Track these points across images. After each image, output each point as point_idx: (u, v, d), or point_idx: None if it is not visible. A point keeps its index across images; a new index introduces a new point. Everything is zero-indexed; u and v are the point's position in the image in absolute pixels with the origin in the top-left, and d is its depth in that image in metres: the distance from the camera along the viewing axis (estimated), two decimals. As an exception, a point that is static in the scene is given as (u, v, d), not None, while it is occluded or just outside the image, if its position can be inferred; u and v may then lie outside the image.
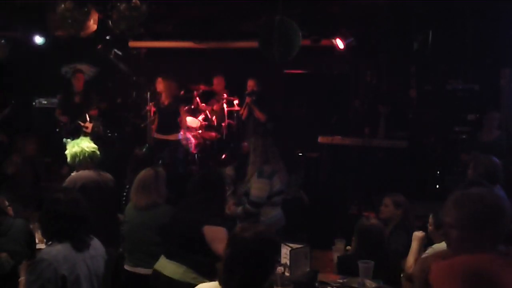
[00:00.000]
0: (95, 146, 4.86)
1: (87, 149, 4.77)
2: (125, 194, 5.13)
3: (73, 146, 4.80)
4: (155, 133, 7.98)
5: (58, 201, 3.11)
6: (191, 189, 3.94)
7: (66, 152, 4.85)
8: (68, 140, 7.17)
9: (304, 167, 7.68)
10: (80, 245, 3.09)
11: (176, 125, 7.97)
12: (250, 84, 7.96)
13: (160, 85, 7.82)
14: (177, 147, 7.93)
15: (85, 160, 4.75)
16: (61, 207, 3.08)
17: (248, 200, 4.97)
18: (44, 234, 3.19)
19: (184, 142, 8.41)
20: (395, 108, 7.79)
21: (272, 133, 7.93)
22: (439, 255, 2.52)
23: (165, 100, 7.80)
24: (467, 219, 2.31)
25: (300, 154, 8.21)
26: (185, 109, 8.98)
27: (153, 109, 7.91)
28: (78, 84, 7.93)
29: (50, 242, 3.10)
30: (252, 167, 5.07)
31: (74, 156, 4.76)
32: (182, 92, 9.10)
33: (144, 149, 7.42)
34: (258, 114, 7.76)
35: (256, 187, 4.95)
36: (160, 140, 7.76)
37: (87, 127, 7.72)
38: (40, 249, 3.94)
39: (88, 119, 7.75)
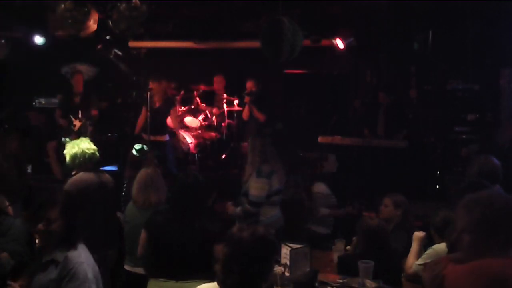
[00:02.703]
0: (95, 148, 4.83)
1: (87, 151, 4.74)
2: (123, 193, 5.14)
3: (73, 147, 4.76)
4: (142, 134, 7.89)
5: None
6: (175, 196, 3.91)
7: (65, 152, 4.81)
8: (67, 139, 7.17)
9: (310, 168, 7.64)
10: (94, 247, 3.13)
11: (166, 126, 7.92)
12: (249, 85, 7.96)
13: (153, 85, 7.77)
14: (166, 147, 7.90)
15: (84, 162, 4.73)
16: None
17: (248, 200, 4.97)
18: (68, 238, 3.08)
19: (180, 143, 8.39)
20: (395, 105, 7.74)
21: (281, 133, 7.96)
22: (451, 259, 2.46)
23: (156, 101, 7.76)
24: (477, 223, 2.30)
25: (301, 154, 8.21)
26: (184, 109, 8.99)
27: (144, 109, 7.86)
28: (77, 85, 7.92)
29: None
30: (250, 167, 5.08)
31: (74, 157, 4.72)
32: (182, 92, 9.11)
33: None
34: (257, 114, 7.76)
35: (255, 186, 4.96)
36: (150, 141, 7.73)
37: (75, 125, 7.69)
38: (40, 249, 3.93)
39: (80, 116, 7.71)
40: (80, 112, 7.69)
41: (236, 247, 2.41)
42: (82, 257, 2.88)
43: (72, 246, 2.89)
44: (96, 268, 2.96)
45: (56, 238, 2.87)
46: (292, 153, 7.93)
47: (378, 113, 7.71)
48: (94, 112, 7.84)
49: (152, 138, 7.59)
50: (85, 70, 8.34)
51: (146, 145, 6.43)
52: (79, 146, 4.75)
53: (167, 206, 4.01)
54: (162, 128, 7.81)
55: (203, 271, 3.56)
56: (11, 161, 6.09)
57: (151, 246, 3.82)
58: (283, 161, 5.45)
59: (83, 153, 4.72)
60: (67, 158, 4.77)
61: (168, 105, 7.86)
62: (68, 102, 7.95)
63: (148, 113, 7.48)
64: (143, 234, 3.90)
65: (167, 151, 7.84)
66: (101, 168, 6.29)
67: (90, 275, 2.85)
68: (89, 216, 4.59)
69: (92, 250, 4.54)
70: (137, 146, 5.51)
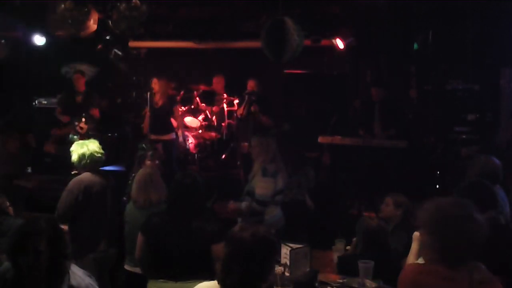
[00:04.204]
0: (102, 152, 4.82)
1: (95, 154, 4.73)
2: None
3: (82, 147, 4.73)
4: (148, 133, 7.90)
5: None
6: (172, 197, 3.91)
7: (72, 149, 4.77)
8: (75, 137, 7.17)
9: (314, 170, 7.61)
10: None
11: (170, 125, 7.95)
12: (251, 84, 7.96)
13: (155, 85, 7.80)
14: (172, 146, 7.91)
15: (90, 163, 4.71)
16: None
17: (254, 198, 5.00)
18: None
19: (182, 142, 8.39)
20: (388, 102, 7.69)
21: (286, 134, 7.97)
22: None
23: (159, 100, 7.77)
24: (423, 222, 2.39)
25: (303, 154, 8.21)
26: (184, 109, 9.00)
27: (146, 109, 7.87)
28: (79, 84, 7.94)
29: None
30: (258, 166, 5.12)
31: (81, 157, 4.69)
32: (182, 92, 9.12)
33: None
34: (265, 120, 7.79)
35: (262, 186, 5.02)
36: (154, 140, 7.74)
37: (82, 128, 7.69)
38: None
39: (83, 119, 7.71)
40: (84, 113, 7.70)
41: (237, 247, 2.41)
42: (85, 279, 2.80)
43: (67, 273, 2.68)
44: (93, 277, 2.93)
45: (45, 271, 2.59)
46: (296, 153, 7.95)
47: (374, 113, 7.67)
48: (96, 112, 7.84)
49: (158, 137, 7.61)
50: (85, 70, 8.35)
51: (151, 144, 6.46)
52: (88, 147, 4.72)
53: (165, 207, 4.00)
54: (167, 126, 7.83)
55: (203, 271, 3.55)
56: (10, 162, 6.09)
57: (149, 248, 3.81)
58: (286, 161, 5.48)
59: (91, 155, 4.70)
60: (74, 157, 4.72)
61: (170, 104, 7.88)
62: (69, 101, 7.96)
63: (149, 113, 7.49)
64: (140, 237, 3.89)
65: (173, 150, 7.86)
66: (108, 168, 6.33)
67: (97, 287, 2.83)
68: (90, 216, 4.63)
69: (93, 249, 4.58)
70: (142, 145, 5.56)
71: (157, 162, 5.30)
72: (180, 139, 8.32)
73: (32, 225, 2.65)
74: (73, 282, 2.69)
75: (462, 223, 2.29)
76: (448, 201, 2.40)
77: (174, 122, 7.99)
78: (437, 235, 2.31)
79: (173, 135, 7.94)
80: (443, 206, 2.36)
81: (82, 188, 4.59)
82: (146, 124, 7.89)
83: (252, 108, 7.91)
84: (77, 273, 2.77)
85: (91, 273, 3.00)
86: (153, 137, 7.76)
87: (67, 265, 2.70)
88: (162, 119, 7.77)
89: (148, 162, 5.21)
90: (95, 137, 6.90)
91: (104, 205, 4.72)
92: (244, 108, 8.04)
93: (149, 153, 5.38)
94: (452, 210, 2.33)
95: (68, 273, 2.69)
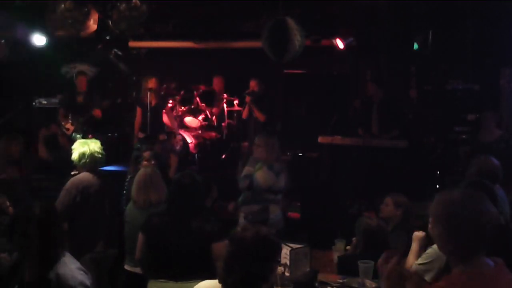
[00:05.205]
0: (103, 153, 4.82)
1: (96, 155, 4.72)
2: (125, 191, 5.15)
3: (83, 146, 4.72)
4: (140, 133, 7.84)
5: None
6: (171, 197, 3.91)
7: (74, 147, 4.76)
8: (78, 136, 7.15)
9: (293, 169, 7.56)
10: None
11: (164, 125, 7.94)
12: (252, 84, 7.96)
13: (153, 84, 7.73)
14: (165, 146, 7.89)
15: (90, 163, 4.71)
16: None
17: (255, 186, 5.12)
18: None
19: (178, 142, 8.38)
20: (387, 102, 7.67)
21: (280, 134, 7.98)
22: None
23: (152, 100, 7.72)
24: (435, 216, 2.35)
25: (300, 154, 8.21)
26: (184, 109, 9.00)
27: (138, 109, 7.82)
28: (80, 85, 7.93)
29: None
30: (263, 162, 5.16)
31: (81, 156, 4.69)
32: (182, 92, 9.12)
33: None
34: (258, 114, 7.76)
35: (263, 176, 5.11)
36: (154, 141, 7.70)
37: (68, 129, 7.66)
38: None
39: (70, 120, 7.70)
40: (84, 114, 7.69)
41: (239, 247, 2.42)
42: (74, 271, 2.78)
43: (57, 261, 2.72)
44: (88, 272, 2.91)
45: (36, 255, 2.68)
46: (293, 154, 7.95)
47: (372, 112, 7.66)
48: (97, 113, 7.82)
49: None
50: (85, 70, 8.35)
51: (147, 144, 6.44)
52: (89, 146, 4.72)
53: (164, 207, 4.00)
54: (161, 126, 7.82)
55: (203, 271, 3.55)
56: (14, 166, 6.06)
57: (149, 248, 3.81)
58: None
59: (92, 155, 4.69)
60: (74, 155, 4.72)
61: (164, 103, 7.87)
62: (70, 102, 7.96)
63: (149, 113, 7.48)
64: (140, 237, 3.88)
65: (163, 150, 7.83)
66: (108, 168, 6.31)
67: (87, 282, 2.82)
68: (88, 216, 4.63)
69: (91, 249, 4.59)
70: (137, 145, 5.56)
71: (153, 162, 5.27)
72: (176, 138, 8.31)
73: (25, 210, 2.78)
74: (60, 270, 2.71)
75: (475, 216, 2.29)
76: (460, 194, 2.39)
77: (167, 122, 7.95)
78: (449, 229, 2.30)
79: (165, 136, 7.90)
80: (455, 199, 2.35)
81: (80, 188, 4.59)
82: (137, 123, 7.83)
83: (247, 100, 7.87)
84: (68, 264, 2.77)
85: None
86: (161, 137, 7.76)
87: (59, 252, 2.73)
88: (158, 119, 7.74)
89: (144, 163, 5.20)
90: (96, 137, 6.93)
91: (102, 206, 4.71)
92: (246, 109, 8.02)
93: (147, 153, 5.36)
94: (465, 203, 2.33)
95: (59, 261, 2.71)
